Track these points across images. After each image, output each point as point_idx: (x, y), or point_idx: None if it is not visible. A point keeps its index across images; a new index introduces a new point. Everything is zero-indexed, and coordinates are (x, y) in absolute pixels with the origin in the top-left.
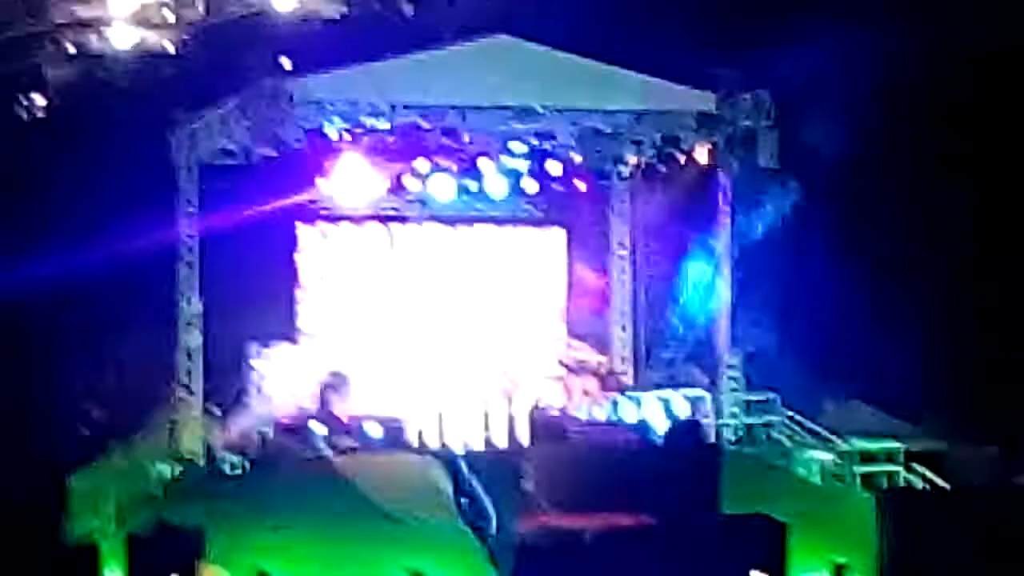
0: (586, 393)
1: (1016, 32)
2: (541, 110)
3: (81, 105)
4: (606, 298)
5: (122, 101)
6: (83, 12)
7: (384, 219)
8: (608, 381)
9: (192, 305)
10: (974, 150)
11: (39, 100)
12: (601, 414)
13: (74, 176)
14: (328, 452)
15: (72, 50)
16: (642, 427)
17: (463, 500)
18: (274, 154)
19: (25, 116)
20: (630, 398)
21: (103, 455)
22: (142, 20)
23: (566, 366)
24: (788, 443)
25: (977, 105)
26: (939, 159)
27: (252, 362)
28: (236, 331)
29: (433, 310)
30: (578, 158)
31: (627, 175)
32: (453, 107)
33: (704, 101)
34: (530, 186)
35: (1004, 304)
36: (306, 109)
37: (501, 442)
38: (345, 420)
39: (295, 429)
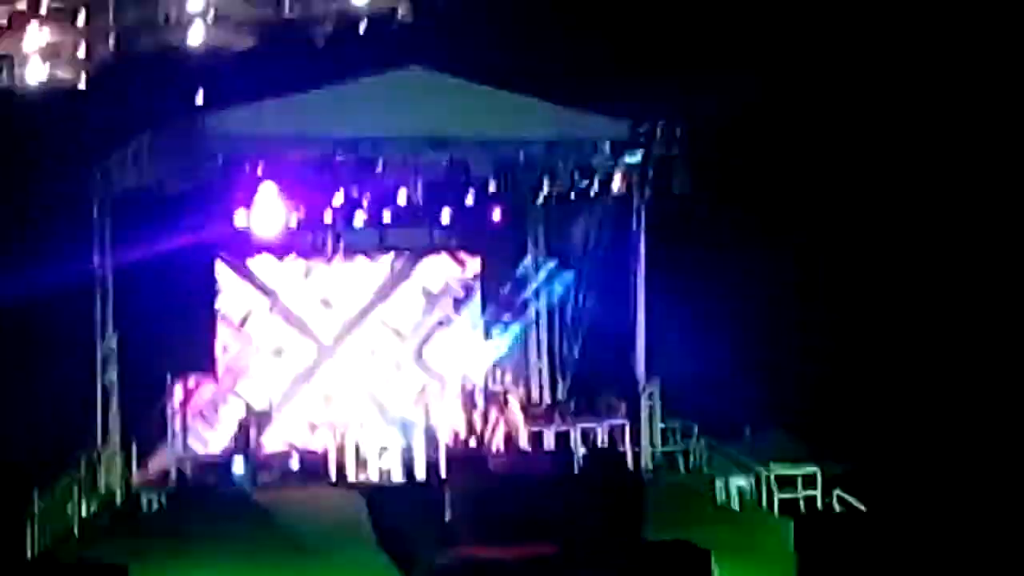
0: (506, 422)
1: None
2: (455, 140)
3: None
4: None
5: (35, 137)
6: None
7: (300, 251)
8: (528, 410)
9: (108, 340)
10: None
11: None
12: (521, 444)
13: None
14: (248, 487)
15: None
16: (561, 456)
17: (383, 532)
18: (189, 187)
19: None
20: (548, 427)
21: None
22: (53, 55)
23: (485, 395)
24: (707, 469)
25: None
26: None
27: (171, 397)
28: (154, 365)
29: (351, 341)
30: (493, 187)
31: (542, 203)
32: (367, 138)
33: (617, 129)
34: (445, 216)
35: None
36: (220, 142)
37: (420, 474)
38: (264, 454)
39: (214, 464)
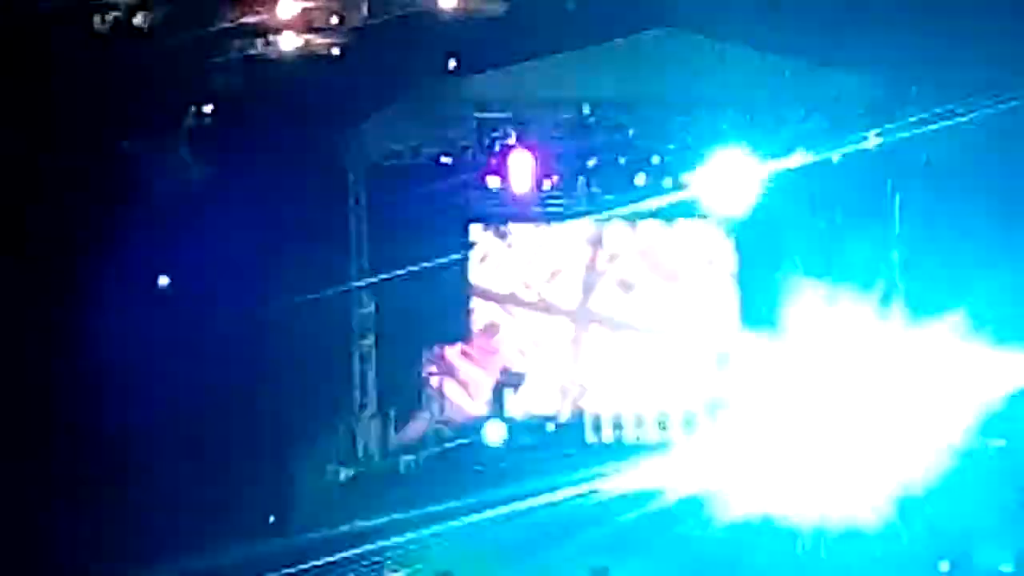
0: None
1: None
2: (707, 102)
3: (249, 112)
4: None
5: (291, 105)
6: (248, 19)
7: (553, 217)
8: None
9: (365, 308)
10: None
11: (207, 108)
12: None
13: (243, 183)
14: (504, 449)
15: (238, 57)
16: None
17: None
18: (442, 153)
19: (193, 124)
20: None
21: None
22: (306, 24)
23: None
24: None
25: None
26: None
27: (427, 363)
28: (410, 331)
29: (606, 307)
30: (746, 149)
31: (796, 163)
32: (620, 101)
33: (872, 87)
34: (699, 181)
35: None
36: (474, 107)
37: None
38: (519, 417)
39: (471, 428)
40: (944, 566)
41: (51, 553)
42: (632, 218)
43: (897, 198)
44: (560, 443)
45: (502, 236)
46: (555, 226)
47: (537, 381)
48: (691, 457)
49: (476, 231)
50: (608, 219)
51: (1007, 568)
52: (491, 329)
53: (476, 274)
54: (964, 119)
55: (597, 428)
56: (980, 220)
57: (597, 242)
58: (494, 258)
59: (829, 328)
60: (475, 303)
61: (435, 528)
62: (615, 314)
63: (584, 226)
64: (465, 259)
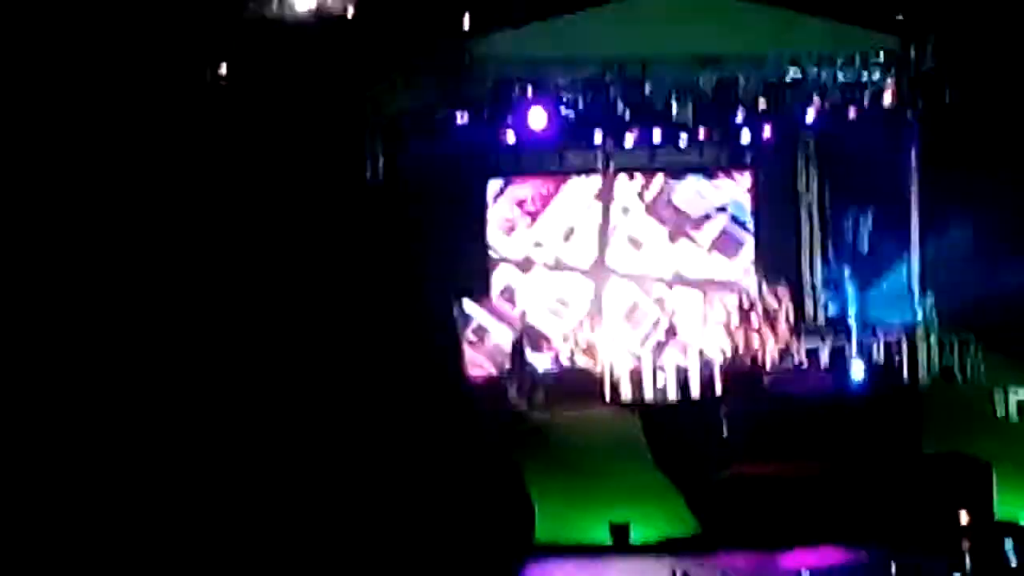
0: (777, 338)
1: None
2: (724, 57)
3: (263, 73)
4: (795, 244)
5: (306, 66)
6: None
7: (569, 171)
8: (802, 326)
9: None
10: None
11: (222, 70)
12: (795, 360)
13: (255, 141)
14: (523, 407)
15: (252, 17)
16: (838, 371)
17: (659, 451)
18: (459, 111)
19: (209, 86)
20: (823, 343)
21: None
22: None
23: (759, 312)
24: (986, 381)
25: None
26: None
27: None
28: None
29: (623, 261)
30: (763, 105)
31: (812, 120)
32: (635, 58)
33: (888, 43)
34: (715, 134)
35: None
36: (488, 65)
37: (695, 393)
38: (538, 375)
39: (488, 385)
40: None
41: None
42: (647, 171)
43: None
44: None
45: (521, 191)
46: (570, 181)
47: (555, 337)
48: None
49: (495, 186)
50: (625, 172)
51: None
52: (507, 283)
53: (494, 229)
54: None
55: (615, 385)
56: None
57: (609, 196)
58: (513, 213)
59: None
60: (494, 258)
61: None
62: (631, 268)
63: (595, 181)
64: (482, 216)
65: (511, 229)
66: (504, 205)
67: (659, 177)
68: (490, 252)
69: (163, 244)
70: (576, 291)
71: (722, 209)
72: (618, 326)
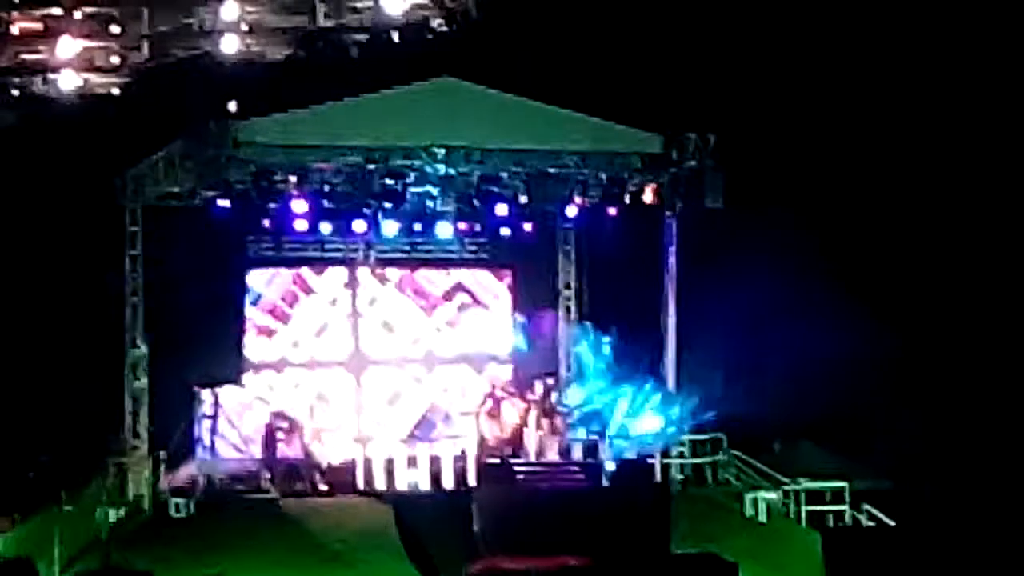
0: (553, 431)
1: None
2: (488, 151)
3: (26, 148)
4: (554, 338)
5: (68, 144)
6: (29, 56)
7: (330, 261)
8: (559, 421)
9: (138, 348)
10: None
11: None
12: (551, 454)
13: (15, 217)
14: (275, 494)
15: (16, 94)
16: (591, 467)
17: (410, 542)
18: (219, 196)
19: None
20: (579, 438)
21: (51, 500)
22: (87, 64)
23: (516, 404)
24: (736, 482)
25: None
26: None
27: (199, 405)
28: (184, 373)
29: (380, 351)
30: (524, 199)
31: (573, 216)
32: (399, 148)
33: (650, 143)
34: (477, 227)
35: None
36: (251, 151)
37: (448, 483)
38: (291, 463)
39: (242, 472)
40: None
41: None
42: (408, 263)
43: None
44: (331, 488)
45: (278, 279)
46: (325, 272)
47: (310, 425)
48: None
49: (252, 274)
50: (386, 263)
51: None
52: (264, 372)
53: (251, 316)
54: None
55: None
56: None
57: (355, 285)
58: (270, 301)
59: None
60: (250, 344)
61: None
62: (391, 358)
63: (362, 270)
64: (240, 301)
65: (270, 333)
66: (257, 312)
67: (421, 269)
68: (246, 338)
69: None
70: (335, 385)
71: (483, 303)
72: (378, 414)
